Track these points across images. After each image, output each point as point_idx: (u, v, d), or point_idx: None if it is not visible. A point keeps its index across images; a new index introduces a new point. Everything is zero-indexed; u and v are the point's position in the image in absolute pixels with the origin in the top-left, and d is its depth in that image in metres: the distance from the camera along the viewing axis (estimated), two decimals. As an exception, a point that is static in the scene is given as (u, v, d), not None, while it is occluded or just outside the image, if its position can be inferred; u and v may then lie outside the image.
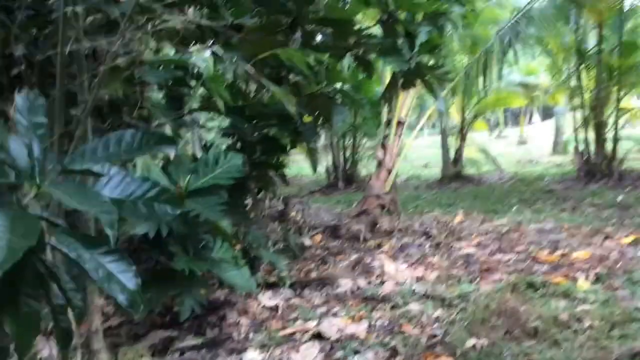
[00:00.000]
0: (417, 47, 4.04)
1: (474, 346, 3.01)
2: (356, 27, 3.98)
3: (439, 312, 3.66)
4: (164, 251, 3.31)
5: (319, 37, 4.00)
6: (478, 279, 4.44)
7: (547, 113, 36.36)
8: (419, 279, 4.59)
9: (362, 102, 4.55)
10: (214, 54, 3.95)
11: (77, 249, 1.06)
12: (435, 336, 3.26)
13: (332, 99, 3.90)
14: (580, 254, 4.94)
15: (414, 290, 4.23)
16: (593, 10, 9.01)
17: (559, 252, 5.12)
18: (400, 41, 4.11)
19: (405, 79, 4.29)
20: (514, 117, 36.08)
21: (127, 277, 1.13)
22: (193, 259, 3.30)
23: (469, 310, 3.53)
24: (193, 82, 3.92)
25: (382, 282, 4.55)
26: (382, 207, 6.64)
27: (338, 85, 4.51)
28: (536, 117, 36.41)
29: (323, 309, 4.04)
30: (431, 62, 4.44)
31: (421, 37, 3.96)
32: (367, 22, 5.95)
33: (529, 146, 22.26)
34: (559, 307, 3.61)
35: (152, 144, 1.34)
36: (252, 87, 4.56)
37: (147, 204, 1.22)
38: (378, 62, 5.69)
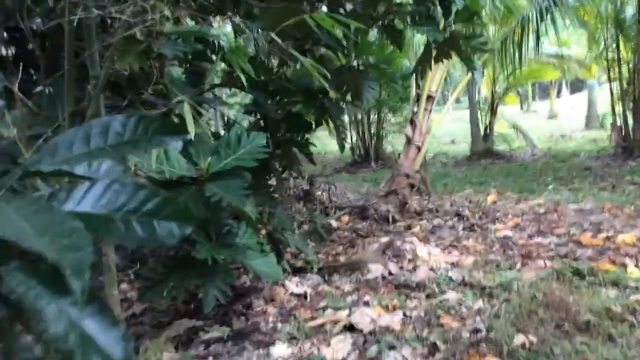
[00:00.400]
0: (453, 15, 3.73)
1: (522, 344, 2.74)
2: (386, -6, 3.69)
3: (479, 303, 3.39)
4: (186, 238, 3.09)
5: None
6: (519, 265, 4.16)
7: (575, 86, 35.51)
8: (454, 265, 4.32)
9: (394, 76, 4.24)
10: (234, 25, 3.71)
11: (37, 296, 0.68)
12: (478, 331, 3.00)
13: (361, 72, 3.61)
14: (626, 237, 4.62)
15: (450, 277, 3.97)
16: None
17: (602, 235, 4.81)
18: (433, 9, 3.81)
19: (440, 49, 3.98)
20: (542, 91, 35.29)
21: (112, 340, 0.73)
22: (216, 246, 3.07)
23: (513, 301, 3.26)
24: (214, 57, 3.69)
25: (415, 268, 4.30)
26: (412, 186, 6.35)
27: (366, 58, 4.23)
28: (564, 90, 35.57)
29: (354, 297, 3.81)
30: (465, 32, 4.10)
31: (458, 4, 3.64)
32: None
33: (560, 120, 21.69)
34: (610, 298, 3.32)
35: (153, 135, 0.98)
36: (274, 62, 4.30)
37: (144, 222, 0.88)
38: (406, 34, 5.38)
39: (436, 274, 4.09)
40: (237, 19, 3.44)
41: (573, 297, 3.24)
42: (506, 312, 3.11)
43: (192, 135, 2.43)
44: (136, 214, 0.90)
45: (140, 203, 0.91)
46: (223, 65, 3.92)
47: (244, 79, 2.59)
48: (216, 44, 3.78)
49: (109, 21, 2.68)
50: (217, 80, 4.31)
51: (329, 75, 2.23)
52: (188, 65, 3.84)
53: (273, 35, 2.21)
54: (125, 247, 3.29)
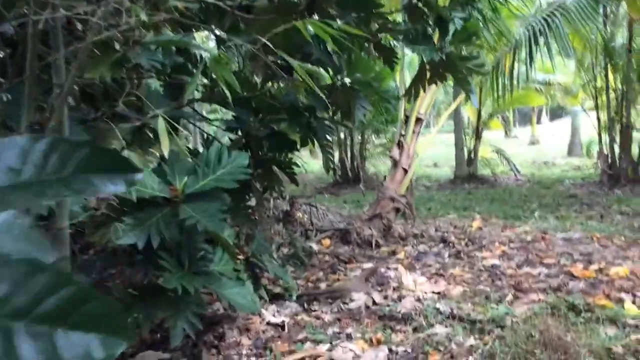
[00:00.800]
0: (450, 35, 3.54)
1: (521, 391, 2.52)
2: (381, 11, 3.50)
3: (471, 340, 3.16)
4: (155, 264, 2.82)
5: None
6: (509, 297, 3.94)
7: (555, 113, 35.84)
8: (441, 295, 4.10)
9: (387, 95, 4.04)
10: (218, 38, 3.49)
11: None
12: (470, 373, 2.78)
13: (354, 90, 3.40)
14: (619, 270, 4.45)
15: (437, 308, 3.74)
16: (633, 6, 8.31)
17: (594, 267, 4.63)
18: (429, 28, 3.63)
19: (435, 71, 3.79)
20: (522, 117, 35.55)
21: None
22: (188, 274, 2.81)
23: (507, 339, 3.04)
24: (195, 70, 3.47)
25: (400, 297, 4.07)
26: (397, 210, 6.14)
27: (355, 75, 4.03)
28: (544, 117, 35.89)
29: (335, 328, 3.57)
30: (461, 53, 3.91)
31: (456, 23, 3.46)
32: (390, 6, 5.46)
33: (541, 147, 21.75)
34: (609, 337, 3.13)
35: (75, 173, 0.62)
36: (258, 79, 4.08)
37: (38, 335, 0.50)
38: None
39: (423, 304, 3.87)
40: (222, 33, 3.23)
41: (571, 335, 3.04)
42: (501, 352, 2.89)
43: (165, 153, 2.20)
44: (25, 317, 0.51)
45: (35, 298, 0.52)
46: (205, 80, 3.71)
47: (228, 93, 2.36)
48: (198, 57, 3.56)
49: (78, 25, 2.44)
50: (198, 95, 4.09)
51: (327, 77, 2.00)
52: (168, 77, 3.60)
53: (264, 40, 1.98)
54: (86, 271, 3.00)
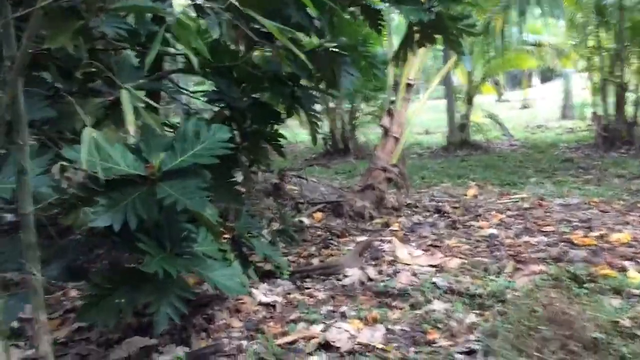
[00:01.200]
0: (439, -7, 3.33)
1: (527, 371, 2.37)
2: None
3: (471, 316, 3.01)
4: (133, 246, 2.63)
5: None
6: (508, 267, 3.80)
7: (545, 76, 35.51)
8: (438, 268, 3.95)
9: (376, 61, 3.82)
10: (196, 5, 3.26)
11: None
12: (472, 352, 2.63)
13: (339, 56, 3.18)
14: (620, 236, 4.31)
15: (434, 283, 3.60)
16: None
17: (595, 234, 4.49)
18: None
19: (424, 32, 3.58)
20: (512, 80, 35.21)
21: None
22: (170, 257, 2.63)
23: (509, 316, 2.89)
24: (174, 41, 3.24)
25: (396, 272, 3.92)
26: (389, 180, 5.96)
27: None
28: (534, 79, 35.57)
29: (329, 307, 3.42)
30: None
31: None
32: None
33: (534, 110, 21.54)
34: (614, 308, 2.98)
35: None
36: (242, 48, 3.85)
37: None
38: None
39: (419, 279, 3.72)
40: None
41: (575, 308, 2.89)
42: (504, 330, 2.73)
43: (131, 130, 2.00)
44: None
45: None
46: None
47: (195, 61, 2.15)
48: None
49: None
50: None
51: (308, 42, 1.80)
52: (143, 47, 3.37)
53: (234, 2, 1.77)
54: (65, 255, 2.82)
